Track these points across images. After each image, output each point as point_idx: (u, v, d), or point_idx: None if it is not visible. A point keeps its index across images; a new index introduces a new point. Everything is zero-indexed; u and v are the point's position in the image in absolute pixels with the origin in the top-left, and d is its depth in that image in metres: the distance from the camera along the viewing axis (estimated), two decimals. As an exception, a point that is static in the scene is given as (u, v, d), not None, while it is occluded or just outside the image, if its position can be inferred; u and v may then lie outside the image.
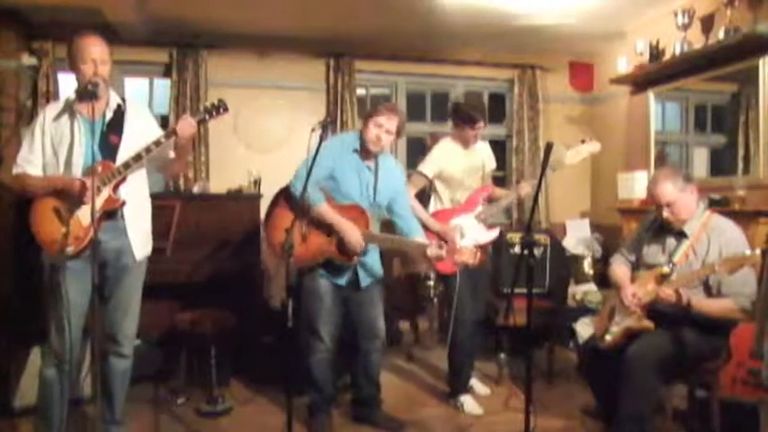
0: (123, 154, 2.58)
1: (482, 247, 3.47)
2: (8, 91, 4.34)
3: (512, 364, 4.02)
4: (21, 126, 4.41)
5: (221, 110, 2.64)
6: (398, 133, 3.07)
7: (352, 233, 2.93)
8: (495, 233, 3.59)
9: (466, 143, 3.54)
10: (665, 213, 2.79)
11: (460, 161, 3.53)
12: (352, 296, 3.15)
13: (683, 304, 2.65)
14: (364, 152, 3.07)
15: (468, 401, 3.49)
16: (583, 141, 3.51)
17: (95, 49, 2.53)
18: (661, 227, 2.92)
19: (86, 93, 2.43)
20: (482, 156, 3.65)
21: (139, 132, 2.63)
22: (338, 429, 3.19)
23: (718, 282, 2.67)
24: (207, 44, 4.92)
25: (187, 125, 2.58)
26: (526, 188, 3.55)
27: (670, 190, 2.75)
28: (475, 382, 3.71)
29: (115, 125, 2.63)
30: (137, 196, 2.68)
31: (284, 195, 3.09)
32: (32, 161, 2.58)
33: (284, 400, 2.58)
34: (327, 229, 2.98)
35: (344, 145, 3.08)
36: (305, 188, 2.64)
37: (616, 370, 2.71)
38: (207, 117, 2.66)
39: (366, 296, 3.15)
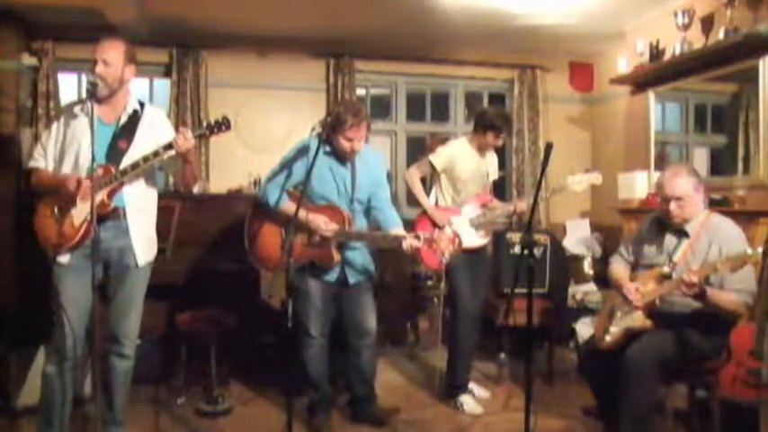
0: (129, 160, 2.58)
1: (477, 249, 3.57)
2: (8, 91, 4.33)
3: (512, 364, 4.02)
4: (21, 126, 4.42)
5: (224, 127, 2.61)
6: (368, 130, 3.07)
7: (314, 218, 2.95)
8: (485, 240, 3.65)
9: (482, 149, 3.61)
10: (672, 206, 2.76)
11: (471, 164, 3.59)
12: (342, 294, 3.15)
13: (700, 291, 2.58)
14: (338, 157, 3.06)
15: (467, 401, 3.50)
16: (587, 170, 3.58)
17: (99, 49, 2.57)
18: (661, 226, 2.91)
19: (87, 92, 2.44)
20: (489, 164, 3.73)
21: (152, 140, 2.62)
22: (338, 429, 3.19)
23: (719, 279, 2.65)
24: (207, 44, 4.91)
25: (182, 140, 2.53)
26: (522, 205, 3.65)
27: (687, 185, 2.74)
28: (474, 387, 3.70)
29: (127, 130, 2.64)
30: (142, 201, 2.69)
31: (255, 210, 3.17)
32: (45, 155, 2.63)
33: (284, 400, 2.58)
34: (306, 231, 3.00)
35: (318, 148, 2.98)
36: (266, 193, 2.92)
37: (616, 370, 2.70)
38: (208, 133, 2.62)
39: (356, 294, 3.16)
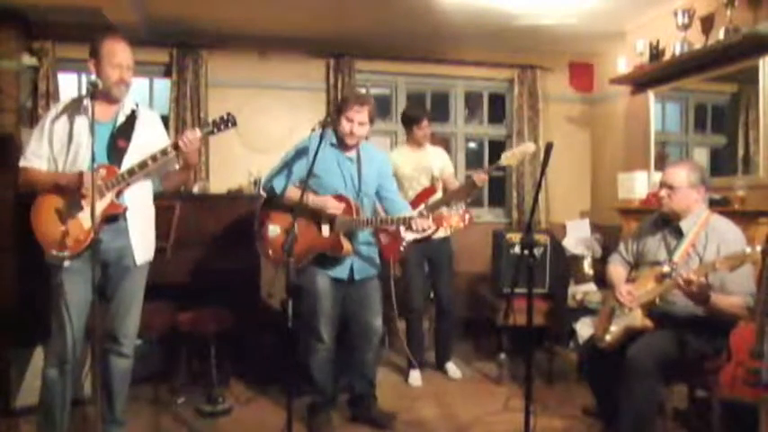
0: (129, 159, 2.59)
1: (432, 239, 3.84)
2: (8, 91, 4.33)
3: (512, 364, 4.01)
4: (21, 126, 4.41)
5: (230, 124, 2.62)
6: (371, 121, 3.10)
7: (326, 201, 2.98)
8: (429, 231, 3.63)
9: (418, 144, 4.01)
10: (662, 193, 2.82)
11: (409, 161, 3.96)
12: (349, 293, 3.15)
13: (703, 294, 2.58)
14: (343, 145, 3.08)
15: (451, 367, 4.05)
16: (518, 144, 3.84)
17: (125, 55, 2.58)
18: (661, 225, 2.92)
19: (87, 92, 2.43)
20: (434, 159, 4.01)
21: (148, 140, 2.65)
22: (338, 429, 3.19)
23: (720, 280, 2.65)
24: (207, 44, 4.92)
25: (188, 140, 2.54)
26: (481, 177, 3.67)
27: (682, 177, 2.78)
28: (450, 366, 4.07)
29: (125, 130, 2.64)
30: (140, 201, 2.69)
31: (264, 206, 3.18)
32: (40, 155, 2.59)
33: (284, 400, 2.58)
34: (314, 222, 3.02)
35: (320, 141, 2.96)
36: (271, 183, 3.04)
37: (616, 370, 2.71)
38: (215, 131, 2.63)
39: (363, 294, 3.15)
